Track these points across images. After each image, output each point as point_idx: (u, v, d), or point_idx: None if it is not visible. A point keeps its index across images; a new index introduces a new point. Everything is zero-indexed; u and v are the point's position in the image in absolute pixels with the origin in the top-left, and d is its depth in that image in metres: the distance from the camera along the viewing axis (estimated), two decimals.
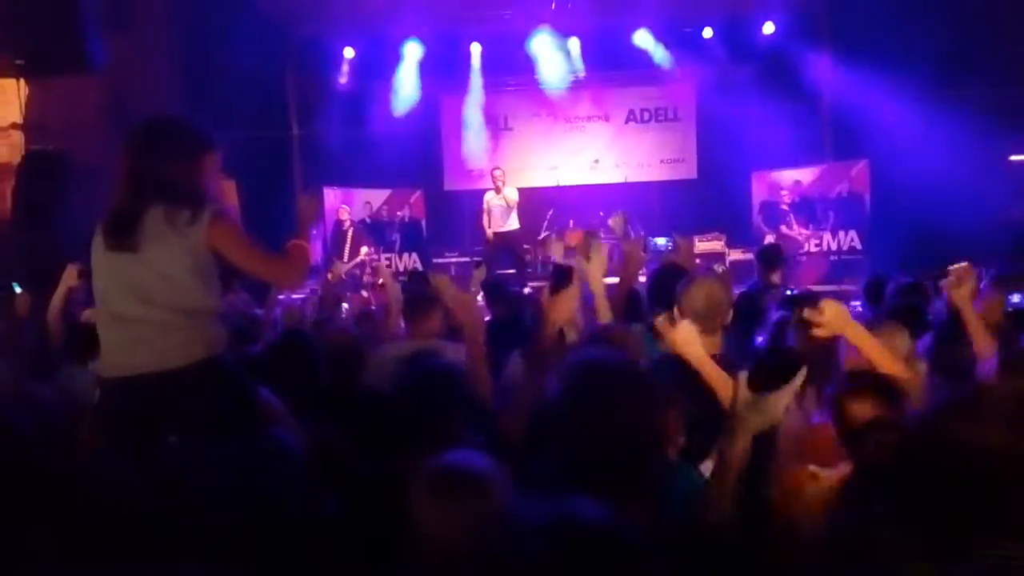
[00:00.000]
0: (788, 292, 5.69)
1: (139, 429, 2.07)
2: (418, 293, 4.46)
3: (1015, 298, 3.04)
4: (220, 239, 2.21)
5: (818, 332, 2.54)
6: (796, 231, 10.33)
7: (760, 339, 3.85)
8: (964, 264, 2.93)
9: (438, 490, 1.72)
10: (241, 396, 2.22)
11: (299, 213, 2.58)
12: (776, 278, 6.33)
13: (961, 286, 2.90)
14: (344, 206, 10.96)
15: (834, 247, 10.51)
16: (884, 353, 2.52)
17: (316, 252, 10.93)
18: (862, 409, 2.22)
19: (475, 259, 9.34)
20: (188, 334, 2.14)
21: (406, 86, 12.19)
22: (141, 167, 2.24)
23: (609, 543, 0.90)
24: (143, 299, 2.12)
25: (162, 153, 2.26)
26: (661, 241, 10.92)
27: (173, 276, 2.13)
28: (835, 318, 2.51)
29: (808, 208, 10.73)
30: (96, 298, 2.26)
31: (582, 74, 12.40)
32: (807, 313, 2.57)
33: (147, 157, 2.24)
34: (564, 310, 2.51)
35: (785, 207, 10.55)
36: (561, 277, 2.52)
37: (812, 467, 2.21)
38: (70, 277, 4.00)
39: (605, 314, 3.37)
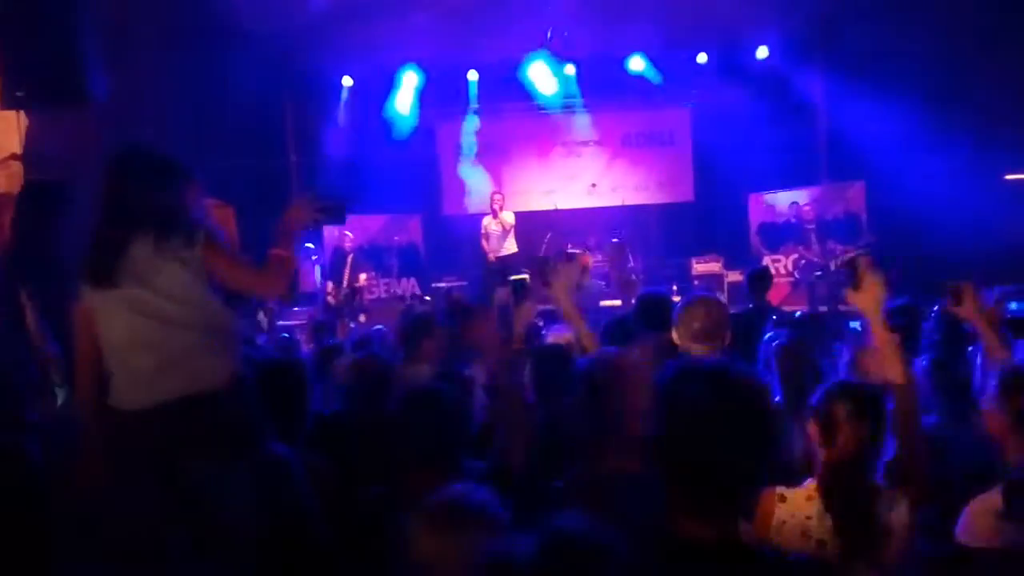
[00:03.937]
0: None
1: (157, 458, 2.06)
2: (415, 317, 4.45)
3: (1013, 306, 3.07)
4: (211, 257, 2.25)
5: (854, 297, 2.48)
6: (814, 252, 10.36)
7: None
8: (966, 284, 2.95)
9: (439, 523, 1.71)
10: (259, 416, 2.24)
11: (285, 220, 2.52)
12: (768, 299, 6.36)
13: (963, 303, 2.93)
14: (348, 232, 10.97)
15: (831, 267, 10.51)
16: (894, 353, 2.46)
17: (314, 277, 10.96)
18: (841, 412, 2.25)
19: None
20: (215, 355, 2.15)
21: (404, 113, 12.28)
22: (125, 196, 2.26)
23: (596, 555, 0.90)
24: (164, 325, 2.13)
25: (145, 182, 2.27)
26: None
27: (189, 299, 2.15)
28: (872, 288, 2.46)
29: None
30: (107, 338, 2.22)
31: (578, 99, 12.50)
32: (863, 267, 2.48)
33: (130, 186, 2.26)
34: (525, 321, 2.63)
35: (810, 227, 10.58)
36: (520, 289, 2.63)
37: (779, 489, 2.22)
38: (25, 300, 4.02)
39: (585, 339, 3.18)
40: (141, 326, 2.15)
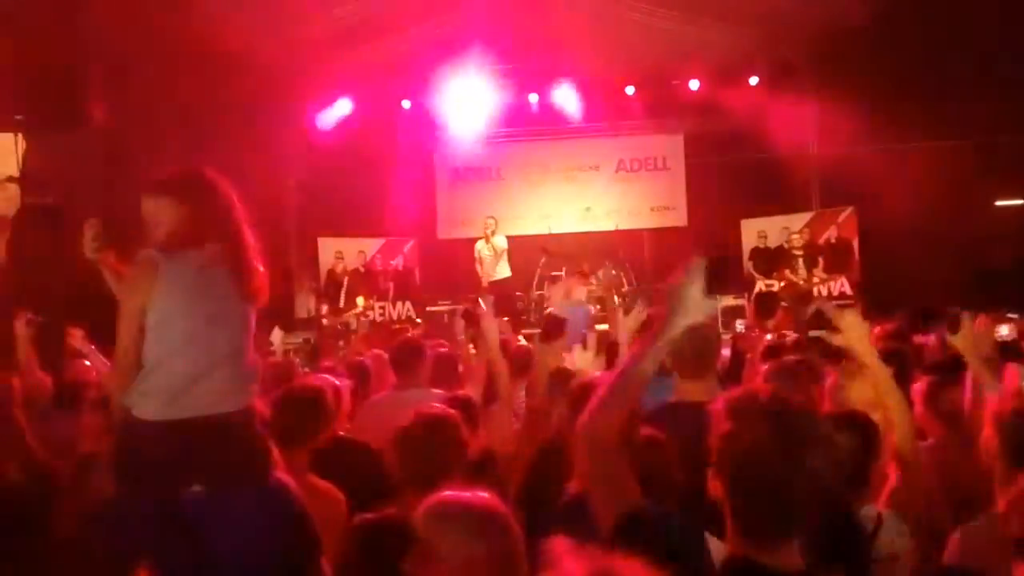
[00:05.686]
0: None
1: (167, 476, 2.08)
2: (406, 341, 4.45)
3: (1004, 331, 3.10)
4: None
5: (836, 339, 2.48)
6: (800, 277, 10.48)
7: None
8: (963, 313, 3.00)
9: (465, 523, 1.67)
10: (267, 446, 2.28)
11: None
12: (770, 324, 6.36)
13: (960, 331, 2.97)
14: (339, 251, 11.01)
15: (824, 292, 10.58)
16: (891, 384, 2.50)
17: (308, 301, 10.98)
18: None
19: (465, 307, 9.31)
20: (238, 382, 2.22)
21: (400, 137, 12.36)
22: (232, 227, 2.32)
23: None
24: (220, 342, 2.20)
25: (238, 221, 2.34)
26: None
27: (242, 334, 2.23)
28: (853, 327, 2.46)
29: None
30: (172, 334, 2.20)
31: (573, 125, 12.59)
32: (830, 313, 2.50)
33: (238, 216, 2.33)
34: (556, 358, 2.55)
35: (798, 252, 10.71)
36: (554, 326, 2.56)
37: None
38: (21, 328, 4.03)
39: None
40: (207, 343, 2.20)
